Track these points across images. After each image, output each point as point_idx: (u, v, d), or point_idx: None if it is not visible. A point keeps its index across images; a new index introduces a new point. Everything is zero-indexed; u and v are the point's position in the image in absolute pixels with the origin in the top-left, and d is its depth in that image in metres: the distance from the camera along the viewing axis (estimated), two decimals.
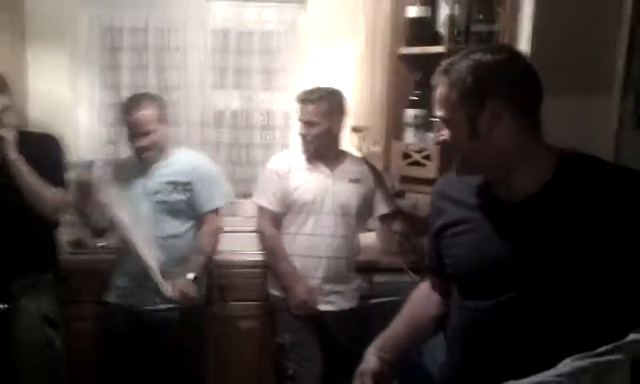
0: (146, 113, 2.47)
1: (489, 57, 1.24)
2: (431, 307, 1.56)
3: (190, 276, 2.48)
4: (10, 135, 2.28)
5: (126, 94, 3.41)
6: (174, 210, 2.53)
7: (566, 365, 1.06)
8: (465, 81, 1.23)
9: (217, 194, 2.65)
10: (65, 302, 2.53)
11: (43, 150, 2.44)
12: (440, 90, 1.29)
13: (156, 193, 2.53)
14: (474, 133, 1.24)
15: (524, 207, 1.26)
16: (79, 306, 2.68)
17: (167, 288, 2.43)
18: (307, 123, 2.54)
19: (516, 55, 1.31)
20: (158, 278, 2.43)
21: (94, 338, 2.63)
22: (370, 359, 1.51)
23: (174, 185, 2.53)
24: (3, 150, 2.26)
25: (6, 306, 2.24)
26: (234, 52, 3.47)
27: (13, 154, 2.27)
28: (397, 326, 1.58)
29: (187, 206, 2.56)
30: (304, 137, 2.57)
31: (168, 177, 2.54)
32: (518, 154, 1.25)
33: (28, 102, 3.26)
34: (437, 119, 1.34)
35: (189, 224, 2.58)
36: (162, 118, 2.54)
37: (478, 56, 1.25)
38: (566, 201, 1.22)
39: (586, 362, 1.04)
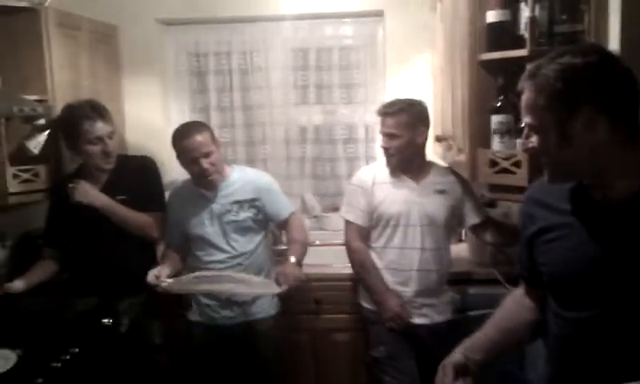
0: (202, 135, 2.46)
1: (578, 60, 1.19)
2: (524, 312, 1.52)
3: (292, 259, 2.48)
4: (82, 185, 2.45)
5: (214, 115, 3.59)
6: (243, 228, 2.55)
7: None
8: (553, 86, 1.19)
9: (286, 200, 2.68)
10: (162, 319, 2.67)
11: (141, 173, 2.62)
12: (527, 94, 1.24)
13: (224, 214, 2.53)
14: (565, 140, 1.19)
15: (622, 208, 1.21)
16: (173, 322, 2.74)
17: (275, 282, 2.42)
18: (388, 136, 2.52)
19: (608, 56, 1.23)
20: (262, 281, 2.48)
21: (183, 354, 2.70)
22: (454, 354, 1.49)
23: (240, 203, 2.54)
24: (84, 202, 2.43)
25: (111, 320, 2.37)
26: (314, 69, 3.55)
27: (98, 203, 2.45)
28: (486, 329, 1.55)
29: (254, 222, 2.57)
30: (386, 150, 2.56)
31: (232, 197, 2.54)
32: (613, 158, 1.20)
33: (125, 128, 3.48)
34: (524, 125, 1.29)
35: (257, 240, 2.60)
36: (216, 141, 2.55)
37: (566, 59, 1.19)
38: None
39: None
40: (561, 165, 1.25)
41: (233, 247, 2.54)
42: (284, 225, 2.67)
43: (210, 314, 2.58)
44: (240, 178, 2.59)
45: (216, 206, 2.54)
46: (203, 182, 2.53)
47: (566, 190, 1.31)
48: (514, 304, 1.56)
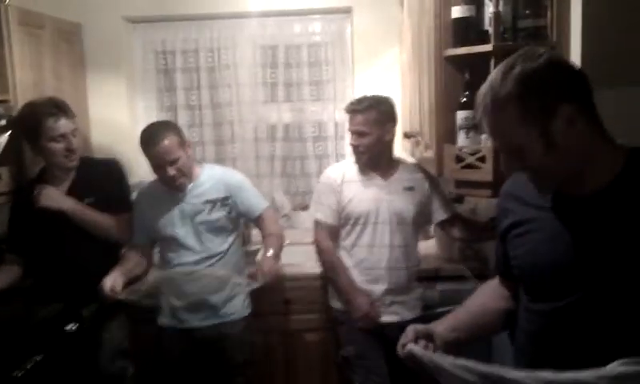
0: (168, 142, 2.39)
1: (529, 64, 1.16)
2: (497, 299, 1.51)
3: (270, 252, 2.46)
4: (47, 189, 2.40)
5: (182, 113, 3.54)
6: (216, 228, 2.51)
7: (614, 367, 1.01)
8: (520, 98, 1.15)
9: (259, 196, 2.65)
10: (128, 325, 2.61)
11: (107, 175, 2.56)
12: (491, 123, 1.21)
13: (196, 214, 2.49)
14: (549, 146, 1.17)
15: (592, 202, 1.21)
16: (142, 326, 2.69)
17: (252, 277, 2.38)
18: (357, 133, 2.52)
19: (554, 56, 1.21)
20: (237, 279, 2.44)
21: (153, 360, 2.65)
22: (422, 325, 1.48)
23: (212, 202, 2.51)
24: (51, 207, 2.38)
25: (75, 326, 2.32)
26: (282, 66, 3.53)
27: (64, 206, 2.40)
28: (457, 311, 1.54)
29: (228, 220, 2.54)
30: (355, 147, 2.55)
31: (204, 196, 2.50)
32: (593, 152, 1.19)
33: (90, 128, 3.41)
34: (500, 153, 1.26)
35: (230, 239, 2.57)
36: (183, 143, 2.48)
37: (518, 69, 1.16)
38: (636, 195, 1.17)
39: (633, 368, 1.00)
40: (549, 172, 1.22)
41: (206, 248, 2.49)
42: (258, 221, 2.62)
43: (181, 316, 2.53)
44: (210, 177, 2.55)
45: (187, 206, 2.49)
46: (171, 187, 2.49)
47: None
48: (489, 290, 1.56)
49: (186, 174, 2.47)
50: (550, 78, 1.16)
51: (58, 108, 2.41)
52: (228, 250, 2.55)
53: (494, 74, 1.21)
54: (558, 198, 1.27)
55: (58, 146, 2.41)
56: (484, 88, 1.22)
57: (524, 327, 1.38)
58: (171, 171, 2.40)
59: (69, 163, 2.45)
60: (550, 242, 1.26)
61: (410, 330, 1.45)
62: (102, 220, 2.46)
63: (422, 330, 1.45)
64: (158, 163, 2.41)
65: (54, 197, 2.40)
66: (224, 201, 2.52)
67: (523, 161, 1.21)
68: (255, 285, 2.37)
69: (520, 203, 1.36)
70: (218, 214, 2.50)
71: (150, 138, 2.41)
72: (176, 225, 2.49)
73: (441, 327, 1.47)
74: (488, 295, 1.55)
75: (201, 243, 2.49)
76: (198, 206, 2.49)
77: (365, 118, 2.49)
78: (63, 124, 2.40)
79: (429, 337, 1.44)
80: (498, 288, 1.54)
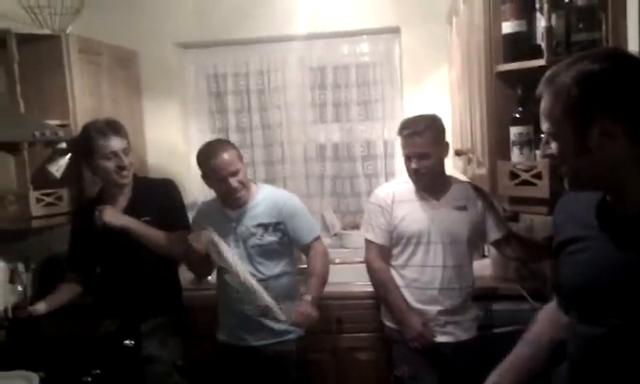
0: (229, 154, 2.44)
1: (595, 66, 1.14)
2: (556, 328, 1.46)
3: (308, 298, 2.45)
4: (108, 208, 2.48)
5: (233, 135, 3.61)
6: (268, 252, 2.52)
7: None
8: (569, 93, 1.15)
9: (311, 224, 2.64)
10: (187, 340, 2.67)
11: (163, 194, 2.64)
12: (544, 102, 1.21)
13: (249, 237, 2.50)
14: (582, 148, 1.16)
15: (637, 220, 1.17)
16: (199, 342, 2.75)
17: (287, 315, 2.41)
18: (419, 156, 2.45)
19: (629, 61, 1.18)
20: (277, 310, 2.43)
21: (209, 376, 2.70)
22: (488, 380, 1.46)
23: (265, 226, 2.50)
24: (113, 224, 2.46)
25: (133, 342, 2.37)
26: (331, 86, 3.56)
27: (125, 223, 2.48)
28: (518, 349, 1.51)
29: (280, 245, 2.54)
30: (416, 171, 2.47)
31: (257, 219, 2.51)
32: (632, 170, 1.16)
33: (146, 150, 3.52)
34: (543, 132, 1.26)
35: (283, 263, 2.57)
36: (241, 157, 2.53)
37: (583, 65, 1.15)
38: None
39: None
40: (579, 173, 1.21)
41: (259, 271, 2.50)
42: (306, 250, 2.63)
43: (238, 334, 2.55)
44: (265, 199, 2.56)
45: (241, 228, 2.51)
46: (231, 201, 2.51)
47: (592, 201, 1.27)
48: (546, 319, 1.52)
49: (246, 187, 2.50)
50: (602, 86, 1.13)
51: (109, 127, 2.52)
52: (280, 273, 2.55)
53: (569, 59, 1.21)
54: (606, 217, 1.23)
55: (109, 164, 2.50)
56: (555, 67, 1.22)
57: (570, 351, 1.34)
58: (234, 183, 2.43)
59: (120, 180, 2.54)
60: (595, 262, 1.22)
61: None
62: (160, 237, 2.53)
63: None
64: (221, 175, 2.43)
65: (116, 215, 2.49)
66: (276, 226, 2.53)
67: (558, 152, 1.21)
68: (291, 327, 2.43)
69: (571, 220, 1.33)
70: (270, 238, 2.51)
71: (212, 151, 2.46)
72: (230, 247, 2.49)
73: (506, 377, 1.46)
74: (545, 325, 1.51)
75: (253, 266, 2.50)
76: (250, 228, 2.51)
77: (425, 139, 2.44)
78: (113, 142, 2.49)
79: None
80: (556, 314, 1.48)
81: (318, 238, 2.64)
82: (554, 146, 1.22)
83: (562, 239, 1.34)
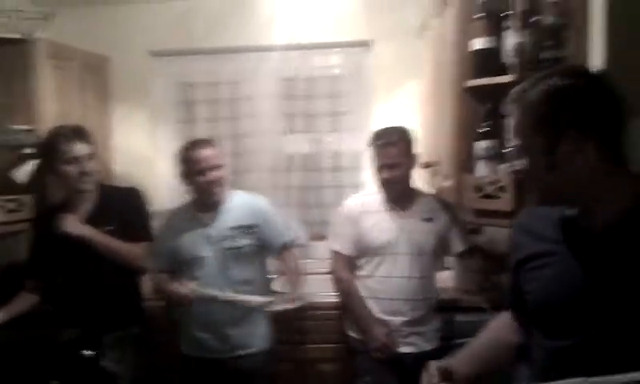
0: (213, 149, 2.48)
1: (564, 82, 1.17)
2: (509, 333, 1.49)
3: (296, 291, 2.49)
4: (69, 217, 2.43)
5: None
6: (242, 255, 2.49)
7: None
8: (539, 108, 1.17)
9: (284, 229, 2.64)
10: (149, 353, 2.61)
11: (128, 203, 2.58)
12: (514, 117, 1.23)
13: (222, 240, 2.47)
14: (552, 163, 1.17)
15: (606, 236, 1.18)
16: (161, 355, 2.71)
17: (274, 302, 2.44)
18: (390, 166, 2.47)
19: (595, 79, 1.21)
20: (260, 300, 2.44)
21: None
22: (440, 362, 1.46)
23: (239, 229, 2.49)
24: (72, 233, 2.41)
25: (93, 353, 2.32)
26: (302, 98, 3.57)
27: (86, 233, 2.42)
28: (471, 345, 1.53)
29: (254, 248, 2.52)
30: (387, 181, 2.50)
31: (232, 222, 2.49)
32: (599, 184, 1.18)
33: (113, 157, 3.46)
34: (512, 148, 1.28)
35: (258, 268, 2.57)
36: (224, 159, 2.54)
37: (552, 81, 1.18)
38: None
39: None
40: (549, 188, 1.23)
41: (231, 275, 2.47)
42: (280, 252, 2.62)
43: (204, 345, 2.50)
44: (238, 202, 2.55)
45: (213, 232, 2.48)
46: (207, 197, 2.48)
47: (553, 217, 1.29)
48: (500, 324, 1.54)
49: (223, 187, 2.49)
50: (571, 101, 1.16)
51: (74, 132, 2.45)
52: (255, 277, 2.54)
53: (536, 76, 1.23)
54: (571, 232, 1.25)
55: (72, 169, 2.43)
56: (524, 83, 1.24)
57: (538, 363, 1.34)
58: (212, 176, 2.43)
59: (82, 186, 2.47)
60: (562, 277, 1.23)
61: (433, 369, 1.43)
62: (121, 248, 2.47)
63: (444, 368, 1.43)
64: (201, 167, 2.43)
65: (76, 224, 2.43)
66: (250, 229, 2.51)
67: (529, 167, 1.22)
68: (281, 306, 2.41)
69: (533, 237, 1.34)
70: (244, 241, 2.49)
71: (196, 143, 2.49)
72: (201, 250, 2.47)
73: (461, 364, 1.45)
74: (500, 328, 1.53)
75: (225, 270, 2.47)
76: (224, 231, 2.48)
77: (398, 149, 2.46)
78: (77, 147, 2.43)
79: (449, 375, 1.42)
80: (510, 322, 1.51)
81: (291, 243, 2.64)
82: (523, 161, 1.24)
83: (523, 256, 1.35)
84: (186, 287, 2.40)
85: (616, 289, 1.15)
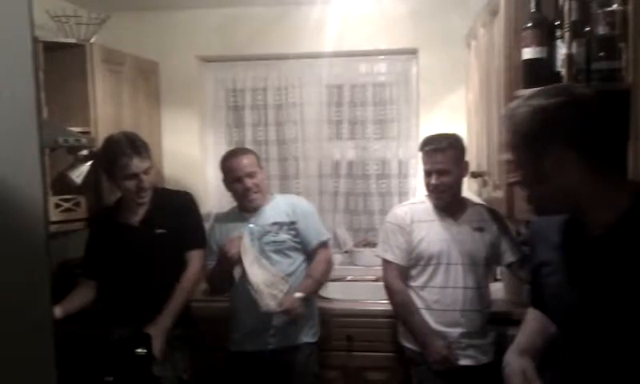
0: (248, 158, 2.61)
1: (547, 101, 1.25)
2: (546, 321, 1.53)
3: (298, 294, 2.52)
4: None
5: (249, 147, 3.63)
6: (283, 249, 2.60)
7: None
8: (524, 126, 1.27)
9: (321, 229, 2.72)
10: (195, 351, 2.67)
11: (180, 207, 2.65)
12: (506, 133, 1.33)
13: (264, 235, 2.58)
14: (542, 175, 1.26)
15: (600, 242, 1.25)
16: (207, 354, 2.77)
17: (271, 303, 2.49)
18: (439, 172, 2.46)
19: (577, 97, 1.28)
20: (259, 294, 2.49)
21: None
22: (516, 362, 1.52)
23: (279, 225, 2.60)
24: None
25: (146, 351, 2.37)
26: (347, 104, 3.59)
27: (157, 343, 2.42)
28: (521, 337, 1.59)
29: (294, 244, 2.62)
30: (436, 187, 2.48)
31: (272, 218, 2.61)
32: (591, 193, 1.25)
33: (163, 160, 3.56)
34: (506, 161, 1.41)
35: (298, 261, 2.64)
36: (261, 165, 2.68)
37: (536, 101, 1.27)
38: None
39: None
40: (541, 198, 1.31)
41: (273, 267, 2.57)
42: (312, 254, 2.68)
43: (251, 334, 2.58)
44: (279, 203, 2.68)
45: (256, 228, 2.59)
46: (245, 203, 2.61)
47: (561, 222, 1.37)
48: (539, 313, 1.58)
49: (262, 192, 2.61)
50: (553, 119, 1.24)
51: (132, 147, 2.49)
52: (296, 271, 2.62)
53: (523, 96, 1.34)
54: (573, 238, 1.33)
55: (130, 184, 2.51)
56: (515, 102, 1.35)
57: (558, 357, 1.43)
58: (248, 183, 2.56)
59: (139, 200, 2.56)
60: (566, 284, 1.32)
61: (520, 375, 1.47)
62: (189, 289, 2.59)
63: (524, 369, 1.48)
64: (237, 175, 2.57)
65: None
66: (291, 225, 2.62)
67: (521, 179, 1.32)
68: (271, 308, 2.49)
69: (543, 243, 1.43)
70: (285, 236, 2.60)
71: (232, 153, 2.66)
72: (245, 246, 2.55)
73: (528, 360, 1.50)
74: (539, 318, 1.56)
75: (268, 264, 2.57)
76: (265, 227, 2.60)
77: (447, 156, 2.46)
78: (136, 164, 2.48)
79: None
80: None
81: (324, 244, 2.70)
82: (516, 174, 1.34)
83: (539, 261, 1.44)
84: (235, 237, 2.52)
85: (609, 295, 1.23)
